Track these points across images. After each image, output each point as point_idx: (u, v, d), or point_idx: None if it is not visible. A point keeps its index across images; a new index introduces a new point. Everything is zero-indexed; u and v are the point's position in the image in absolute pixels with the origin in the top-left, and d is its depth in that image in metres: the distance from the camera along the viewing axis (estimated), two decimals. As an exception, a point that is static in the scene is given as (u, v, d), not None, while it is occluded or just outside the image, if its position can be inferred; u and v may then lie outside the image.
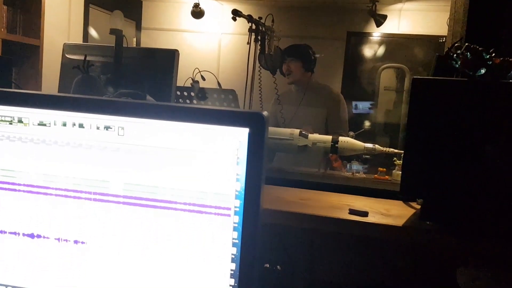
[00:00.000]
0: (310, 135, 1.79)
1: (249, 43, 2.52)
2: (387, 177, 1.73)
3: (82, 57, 2.27)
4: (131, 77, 2.22)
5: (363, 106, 5.16)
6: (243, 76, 2.97)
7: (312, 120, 2.97)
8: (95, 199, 0.86)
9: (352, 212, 1.10)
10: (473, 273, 0.99)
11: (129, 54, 2.23)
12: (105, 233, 0.86)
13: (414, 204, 1.28)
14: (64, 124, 0.85)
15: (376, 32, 5.06)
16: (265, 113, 0.80)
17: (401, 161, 1.69)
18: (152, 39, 5.74)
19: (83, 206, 0.86)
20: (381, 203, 1.27)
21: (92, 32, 4.11)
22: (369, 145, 1.73)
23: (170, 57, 2.18)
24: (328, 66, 4.99)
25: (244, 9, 2.80)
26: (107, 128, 0.84)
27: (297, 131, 1.79)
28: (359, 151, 1.74)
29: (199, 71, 2.84)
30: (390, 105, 5.29)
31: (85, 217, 0.87)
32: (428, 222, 1.03)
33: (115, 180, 0.85)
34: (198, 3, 5.00)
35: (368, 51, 5.21)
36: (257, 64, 2.94)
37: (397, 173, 1.71)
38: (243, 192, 0.80)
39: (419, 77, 1.07)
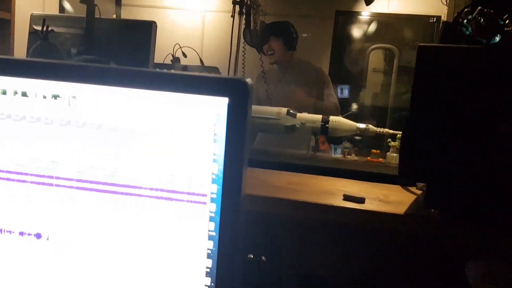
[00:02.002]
0: (298, 115, 1.65)
1: (233, 16, 2.35)
2: (381, 159, 1.61)
3: (54, 29, 2.10)
4: (105, 50, 2.05)
5: (347, 91, 5.04)
6: (227, 55, 2.81)
7: (294, 97, 2.83)
8: (42, 183, 0.71)
9: (347, 198, 0.98)
10: (484, 267, 0.87)
11: (103, 26, 2.05)
12: (55, 224, 0.72)
13: (413, 189, 1.16)
14: (4, 92, 0.70)
15: (365, 12, 4.90)
16: (248, 80, 0.66)
17: (396, 143, 1.56)
18: (132, 16, 5.49)
19: (28, 191, 0.72)
20: (378, 187, 1.14)
21: (67, 5, 3.89)
22: (362, 125, 1.60)
23: (147, 29, 2.01)
24: (316, 46, 4.84)
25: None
26: (55, 97, 0.69)
27: (284, 109, 1.65)
28: (351, 132, 1.61)
29: (180, 47, 2.67)
30: (379, 87, 5.17)
31: (31, 204, 0.72)
32: (433, 210, 0.91)
33: (66, 161, 0.70)
34: (181, -22, 4.79)
35: (356, 31, 5.06)
36: (242, 41, 2.79)
37: (392, 155, 1.59)
38: (221, 176, 0.66)
39: (426, 44, 0.93)
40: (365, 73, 5.10)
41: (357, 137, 1.88)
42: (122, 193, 0.69)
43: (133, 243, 0.70)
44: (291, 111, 1.66)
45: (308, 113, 1.66)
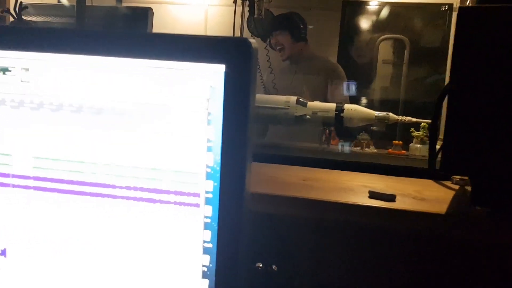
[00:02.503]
0: (309, 103, 1.48)
1: (235, 1, 2.19)
2: (403, 151, 1.44)
3: (39, 19, 1.95)
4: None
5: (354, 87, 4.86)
6: None
7: (307, 92, 2.67)
8: (-11, 184, 0.55)
9: (374, 195, 0.81)
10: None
11: (95, 14, 1.90)
12: (7, 229, 0.56)
13: (448, 183, 0.99)
14: None
15: (374, 1, 4.72)
16: (252, 41, 0.50)
17: (421, 132, 1.39)
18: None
19: (-28, 194, 0.56)
20: (407, 182, 0.98)
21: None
22: (381, 113, 1.43)
23: (143, 16, 1.86)
24: (323, 39, 4.66)
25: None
26: (4, 71, 0.53)
27: (293, 98, 1.49)
28: (369, 121, 1.44)
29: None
30: (388, 80, 4.99)
31: (-24, 211, 0.56)
32: (481, 208, 0.74)
33: (20, 153, 0.54)
34: (182, -28, 4.63)
35: (365, 22, 4.87)
36: (246, 30, 2.63)
37: (416, 146, 1.42)
38: (218, 169, 0.50)
39: (467, 5, 0.76)
40: (375, 65, 4.92)
41: (374, 128, 1.71)
42: (90, 194, 0.53)
43: (104, 259, 0.54)
44: (301, 99, 1.49)
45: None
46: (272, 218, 0.87)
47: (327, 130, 1.52)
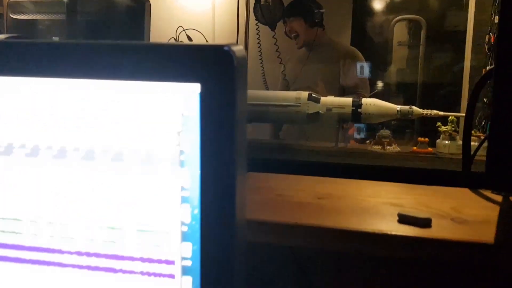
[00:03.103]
0: (322, 99, 1.33)
1: (239, -13, 2.03)
2: (430, 149, 1.28)
3: (29, 17, 1.83)
4: (91, 37, 1.76)
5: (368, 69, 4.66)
6: (241, 36, 2.49)
7: (321, 80, 2.52)
8: None
9: (405, 219, 0.67)
10: None
11: (87, 9, 1.77)
12: None
13: (487, 192, 0.84)
14: None
15: (387, -20, 4.50)
16: (236, 48, 0.35)
17: (449, 127, 1.24)
18: (158, 4, 5.21)
19: None
20: (440, 195, 0.83)
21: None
22: (405, 107, 1.28)
23: (139, 10, 1.72)
24: (335, 23, 4.45)
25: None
26: None
27: (305, 94, 1.34)
28: (391, 116, 1.29)
29: (184, 30, 2.38)
30: (404, 63, 4.78)
31: None
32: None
33: None
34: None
35: (378, 3, 4.65)
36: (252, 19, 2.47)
37: (444, 143, 1.27)
38: (197, 227, 0.36)
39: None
40: (390, 47, 4.71)
41: (393, 121, 1.55)
42: (31, 261, 0.40)
43: None
44: (313, 94, 1.34)
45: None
46: (282, 250, 0.74)
47: (345, 127, 1.37)
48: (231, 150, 0.35)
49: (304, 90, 2.63)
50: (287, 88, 2.79)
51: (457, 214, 0.71)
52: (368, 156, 1.21)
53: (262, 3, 2.37)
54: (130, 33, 1.74)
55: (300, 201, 0.78)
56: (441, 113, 1.26)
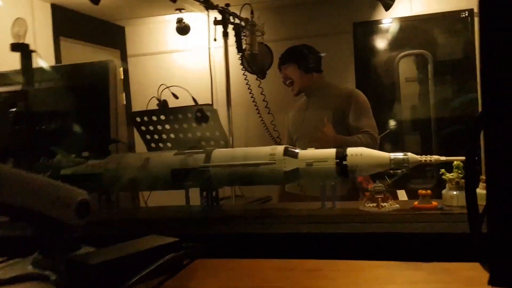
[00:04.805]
0: (301, 153, 1.13)
1: (215, 39, 1.89)
2: (434, 203, 1.05)
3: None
4: (51, 105, 1.62)
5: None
6: (240, 89, 2.35)
7: (320, 128, 2.33)
8: None
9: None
10: None
11: (47, 77, 1.63)
12: None
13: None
14: None
15: (386, 18, 4.37)
16: None
17: (454, 174, 1.01)
18: (140, 66, 5.21)
19: None
20: (450, 279, 0.60)
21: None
22: (398, 155, 1.06)
23: (102, 72, 1.58)
24: (337, 65, 4.34)
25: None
26: None
27: (280, 148, 1.14)
28: (383, 167, 1.07)
29: (167, 87, 2.24)
30: (416, 99, 4.57)
31: None
32: None
33: None
34: (182, 18, 4.45)
35: (380, 41, 4.52)
36: (238, 69, 2.33)
37: (451, 194, 1.04)
38: None
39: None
40: (397, 84, 4.53)
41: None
42: None
43: None
44: (290, 148, 1.14)
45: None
46: None
47: (332, 183, 1.15)
48: None
49: (310, 138, 2.48)
50: (290, 138, 2.61)
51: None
52: (361, 219, 0.99)
53: (248, 52, 2.24)
54: (94, 97, 1.59)
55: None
56: (443, 158, 1.04)
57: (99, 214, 1.28)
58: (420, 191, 1.06)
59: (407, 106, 4.51)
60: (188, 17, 4.50)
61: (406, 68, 4.44)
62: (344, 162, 1.07)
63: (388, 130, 4.13)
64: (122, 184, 1.24)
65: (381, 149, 2.42)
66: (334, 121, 2.41)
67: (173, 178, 1.19)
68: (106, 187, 1.26)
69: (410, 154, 1.06)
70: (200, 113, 2.03)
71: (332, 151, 1.10)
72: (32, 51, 1.55)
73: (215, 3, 1.83)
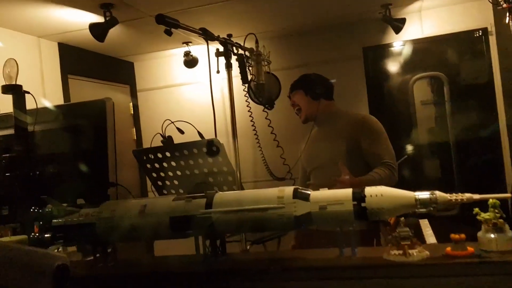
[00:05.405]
0: (313, 194, 1.01)
1: (218, 71, 1.80)
2: (470, 249, 0.91)
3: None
4: (47, 148, 1.53)
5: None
6: (248, 120, 2.26)
7: (331, 158, 2.21)
8: None
9: None
10: None
11: (42, 118, 1.55)
12: None
13: None
14: None
15: (397, 41, 4.27)
16: None
17: (491, 214, 0.88)
18: (149, 101, 5.18)
19: None
20: None
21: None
22: (424, 194, 0.93)
23: (99, 111, 1.49)
24: (349, 91, 4.23)
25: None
26: None
27: (289, 190, 1.02)
28: (408, 209, 0.94)
29: (172, 122, 2.14)
30: (432, 122, 4.43)
31: None
32: None
33: None
34: (189, 51, 4.41)
35: (392, 65, 4.41)
36: (243, 99, 2.23)
37: (488, 237, 0.90)
38: None
39: None
40: (412, 108, 4.40)
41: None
42: None
43: None
44: (300, 189, 1.02)
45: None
46: None
47: (349, 229, 1.02)
48: None
49: (322, 170, 2.35)
50: (304, 172, 2.49)
51: None
52: (385, 273, 0.85)
53: (254, 82, 2.15)
54: (93, 137, 1.50)
55: None
56: (476, 196, 0.90)
57: (93, 268, 1.16)
58: (452, 236, 0.92)
59: (424, 130, 4.35)
60: (195, 50, 4.47)
61: (420, 91, 4.31)
62: (363, 204, 0.94)
63: (405, 156, 3.97)
64: (117, 234, 1.12)
65: (399, 176, 2.29)
66: (348, 151, 2.28)
67: (172, 227, 1.07)
68: (101, 238, 1.14)
69: (438, 193, 0.93)
70: (206, 148, 1.93)
71: (348, 192, 0.97)
72: (26, 92, 1.47)
73: (216, 34, 1.74)
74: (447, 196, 0.92)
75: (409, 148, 4.30)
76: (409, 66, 4.28)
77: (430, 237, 2.66)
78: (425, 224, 2.81)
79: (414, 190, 0.94)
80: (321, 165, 2.35)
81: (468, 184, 4.14)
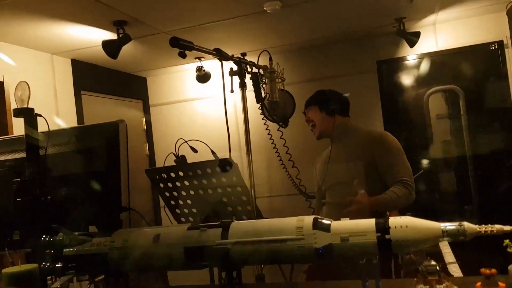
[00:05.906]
0: (334, 224, 0.96)
1: (232, 91, 1.77)
2: (502, 284, 0.86)
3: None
4: (58, 172, 1.51)
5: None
6: (263, 138, 2.23)
7: (346, 176, 2.16)
8: None
9: None
10: None
11: (54, 141, 1.53)
12: None
13: None
14: None
15: (411, 55, 4.22)
16: None
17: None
18: (162, 116, 5.17)
19: None
20: None
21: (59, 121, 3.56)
22: (452, 226, 0.88)
23: (112, 134, 1.46)
24: (363, 105, 4.18)
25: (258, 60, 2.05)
26: None
27: (309, 220, 0.97)
28: (434, 241, 0.89)
29: (185, 141, 2.12)
30: (448, 136, 4.35)
31: None
32: None
33: None
34: (202, 66, 4.41)
35: (406, 78, 4.35)
36: (259, 118, 2.20)
37: (522, 273, 0.84)
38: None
39: None
40: (428, 122, 4.33)
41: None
42: None
43: None
44: (320, 220, 0.98)
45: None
46: None
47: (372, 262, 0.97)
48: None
49: (338, 188, 2.30)
50: (320, 190, 2.44)
51: None
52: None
53: (267, 100, 2.12)
54: (105, 161, 1.47)
55: None
56: (507, 227, 0.85)
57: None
58: (482, 270, 0.87)
59: (439, 144, 4.28)
60: (208, 65, 4.46)
61: (435, 104, 4.25)
62: (387, 236, 0.89)
63: (421, 171, 3.90)
64: (130, 264, 1.08)
65: (416, 191, 2.23)
66: (364, 169, 2.24)
67: (186, 258, 1.03)
68: (113, 267, 1.11)
69: (466, 224, 0.88)
70: (220, 167, 1.90)
71: (371, 223, 0.92)
72: (38, 115, 1.45)
73: (230, 53, 1.71)
74: (476, 227, 0.87)
75: (425, 162, 4.23)
76: (424, 79, 4.22)
77: (448, 255, 2.59)
78: (443, 243, 2.74)
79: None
80: (337, 183, 2.31)
81: (485, 199, 4.05)
